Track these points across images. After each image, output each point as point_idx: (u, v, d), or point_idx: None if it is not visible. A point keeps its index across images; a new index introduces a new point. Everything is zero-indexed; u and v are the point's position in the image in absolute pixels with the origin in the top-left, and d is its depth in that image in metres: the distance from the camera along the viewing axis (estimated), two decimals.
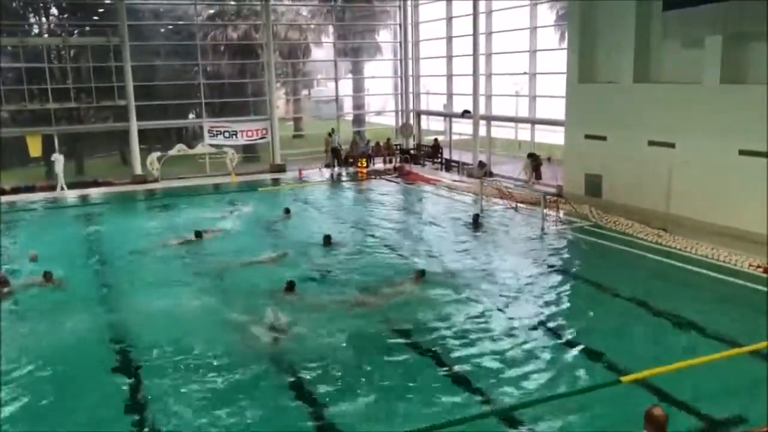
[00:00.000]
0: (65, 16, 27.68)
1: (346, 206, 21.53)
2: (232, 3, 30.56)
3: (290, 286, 12.20)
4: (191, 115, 29.28)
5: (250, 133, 28.26)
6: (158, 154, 26.31)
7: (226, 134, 27.70)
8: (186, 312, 11.70)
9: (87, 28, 26.67)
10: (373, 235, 17.16)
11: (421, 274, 13.03)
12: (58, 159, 24.29)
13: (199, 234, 16.64)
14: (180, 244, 16.23)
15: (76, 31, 26.63)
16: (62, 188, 24.27)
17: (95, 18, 27.28)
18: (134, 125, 26.30)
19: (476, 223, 17.60)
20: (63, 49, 26.43)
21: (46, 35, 27.27)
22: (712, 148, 15.90)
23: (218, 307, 11.89)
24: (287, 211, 19.54)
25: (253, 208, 20.62)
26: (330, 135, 28.77)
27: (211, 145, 27.31)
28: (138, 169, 26.42)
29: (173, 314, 11.57)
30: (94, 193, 24.51)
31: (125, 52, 25.69)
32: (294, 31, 32.13)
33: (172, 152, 26.39)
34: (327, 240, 15.81)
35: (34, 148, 25.05)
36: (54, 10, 28.11)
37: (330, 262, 14.63)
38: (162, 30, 29.33)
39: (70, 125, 26.60)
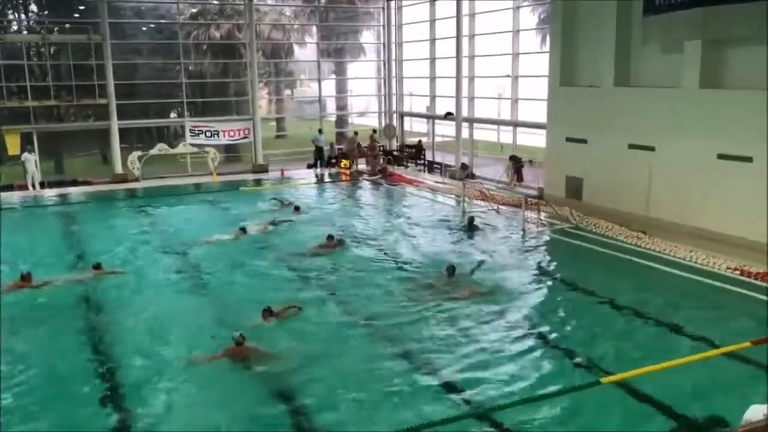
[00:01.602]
0: (45, 12, 27.36)
1: (334, 207, 21.29)
2: (215, 2, 30.42)
3: (267, 312, 11.05)
4: (173, 115, 29.07)
5: (232, 133, 28.14)
6: (139, 153, 26.09)
7: (208, 134, 27.55)
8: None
9: (67, 26, 26.37)
10: (371, 236, 17.10)
11: (452, 270, 13.08)
12: (29, 159, 23.93)
13: (243, 230, 16.74)
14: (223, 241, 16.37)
15: (56, 29, 26.31)
16: (34, 187, 23.97)
17: (76, 15, 26.97)
18: (115, 124, 26.06)
19: (471, 226, 17.54)
20: (43, 47, 26.13)
21: (25, 32, 26.94)
22: (691, 151, 16.09)
23: None
24: (297, 208, 19.53)
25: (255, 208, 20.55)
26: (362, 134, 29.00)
27: (193, 145, 27.15)
28: (119, 168, 26.19)
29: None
30: (74, 192, 24.21)
31: (106, 51, 25.45)
32: (277, 31, 32.04)
33: (153, 151, 26.19)
34: (336, 241, 15.77)
35: (13, 146, 24.70)
36: (33, 7, 27.80)
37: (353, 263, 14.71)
38: (144, 28, 29.11)
39: (49, 123, 26.33)
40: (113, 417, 8.20)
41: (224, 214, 20.12)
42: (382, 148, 29.90)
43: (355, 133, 29.34)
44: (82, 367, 9.55)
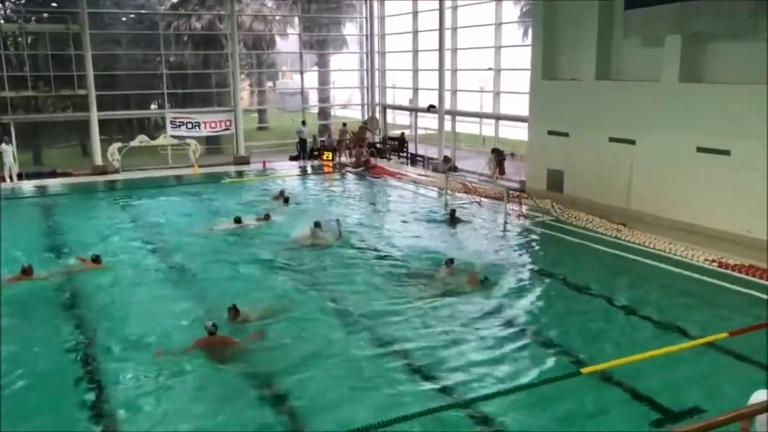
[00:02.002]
0: (22, 1, 26.94)
1: (319, 200, 21.11)
2: None
3: (233, 310, 10.69)
4: (153, 106, 28.83)
5: (213, 125, 27.92)
6: (119, 144, 25.84)
7: (189, 125, 27.32)
8: None
9: (45, 15, 26.01)
10: (356, 228, 17.04)
11: (451, 262, 13.10)
12: (6, 150, 23.57)
13: (238, 220, 16.76)
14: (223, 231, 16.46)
15: (33, 18, 25.90)
16: (12, 179, 23.66)
17: (54, 4, 26.59)
18: (95, 115, 25.74)
19: (453, 218, 17.60)
20: (20, 36, 25.71)
21: (1, 21, 26.49)
22: (671, 145, 16.27)
23: None
24: (286, 200, 19.47)
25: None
26: (345, 125, 29.04)
27: (174, 137, 26.92)
28: (98, 160, 25.90)
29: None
30: (53, 183, 23.91)
31: (85, 41, 25.10)
32: (259, 22, 31.86)
33: (134, 143, 25.94)
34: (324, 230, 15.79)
35: None
36: None
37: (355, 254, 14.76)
38: (124, 18, 28.78)
39: (27, 114, 25.98)
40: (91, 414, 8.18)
41: (208, 205, 20.03)
42: (367, 140, 29.90)
43: (344, 124, 29.30)
44: (67, 362, 9.52)
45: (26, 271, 12.73)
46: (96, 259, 13.54)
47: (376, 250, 15.08)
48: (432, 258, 14.08)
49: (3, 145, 23.72)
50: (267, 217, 17.24)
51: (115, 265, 13.78)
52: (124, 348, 9.90)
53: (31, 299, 11.87)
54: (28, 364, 9.32)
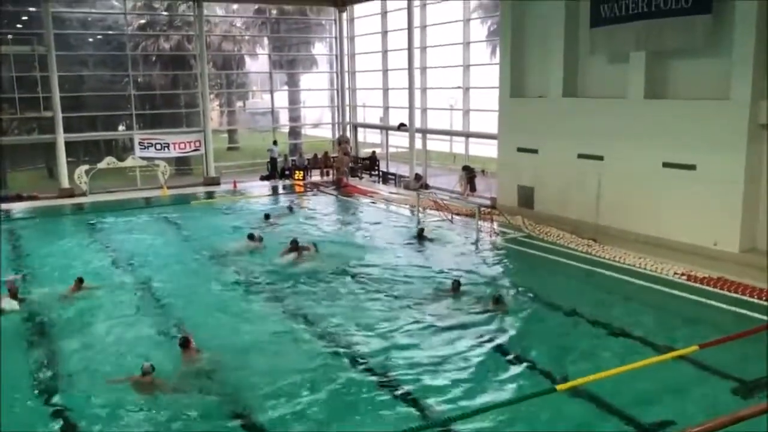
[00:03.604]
0: None
1: (296, 219, 20.81)
2: (164, 13, 29.96)
3: (185, 342, 10.24)
4: (121, 127, 28.52)
5: (182, 146, 27.65)
6: (87, 167, 25.46)
7: (158, 146, 26.99)
8: None
9: (10, 37, 25.62)
10: (329, 247, 16.83)
11: (458, 284, 13.05)
12: None
13: (251, 237, 16.83)
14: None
15: None
16: None
17: (19, 26, 26.25)
18: (61, 137, 25.35)
19: (421, 237, 17.60)
20: None
21: None
22: (638, 160, 16.52)
23: None
24: (267, 216, 19.68)
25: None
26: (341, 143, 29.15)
27: (142, 158, 26.61)
28: (65, 183, 25.48)
29: None
30: (18, 207, 23.31)
31: (51, 62, 24.74)
32: (228, 42, 31.80)
33: (102, 165, 25.58)
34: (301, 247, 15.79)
35: None
36: None
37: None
38: (90, 39, 28.47)
39: None
40: None
41: (181, 228, 19.82)
42: (334, 159, 29.85)
43: (339, 142, 29.27)
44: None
45: (12, 293, 12.60)
46: (79, 282, 13.27)
47: (351, 269, 14.98)
48: (409, 276, 14.14)
49: None
50: (260, 238, 17.06)
51: (95, 291, 13.44)
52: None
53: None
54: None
